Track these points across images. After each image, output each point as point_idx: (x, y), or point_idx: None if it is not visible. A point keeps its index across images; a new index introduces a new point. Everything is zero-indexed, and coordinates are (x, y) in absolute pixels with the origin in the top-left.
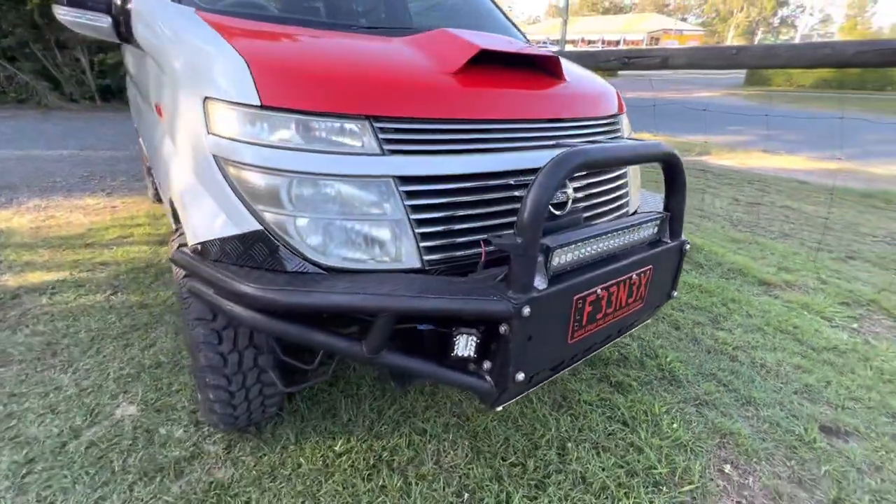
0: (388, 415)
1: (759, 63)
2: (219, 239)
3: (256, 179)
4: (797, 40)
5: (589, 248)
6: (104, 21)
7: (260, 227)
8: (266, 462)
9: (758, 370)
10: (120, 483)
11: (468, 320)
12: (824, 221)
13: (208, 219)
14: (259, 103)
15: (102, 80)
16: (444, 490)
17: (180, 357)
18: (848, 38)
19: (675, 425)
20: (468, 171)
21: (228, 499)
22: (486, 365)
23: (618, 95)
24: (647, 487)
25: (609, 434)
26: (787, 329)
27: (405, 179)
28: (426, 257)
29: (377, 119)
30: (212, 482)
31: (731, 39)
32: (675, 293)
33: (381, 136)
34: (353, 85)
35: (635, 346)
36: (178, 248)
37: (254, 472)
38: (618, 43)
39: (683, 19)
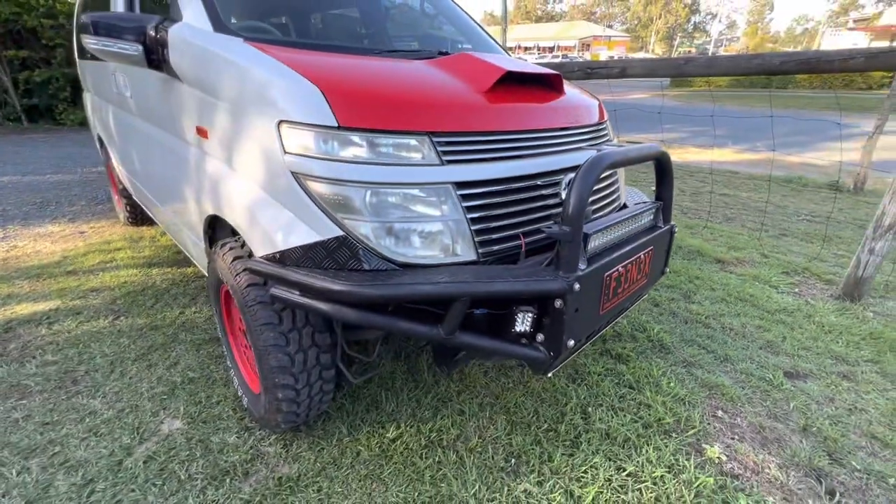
0: (426, 402)
1: (703, 72)
2: (301, 246)
3: (336, 191)
4: (711, 44)
5: (612, 234)
6: (135, 49)
7: (342, 233)
8: (326, 454)
9: (728, 333)
10: (191, 489)
11: (528, 299)
12: (765, 206)
13: (288, 229)
14: (336, 124)
15: (28, 99)
16: (493, 458)
17: (210, 371)
18: (751, 41)
19: (672, 384)
20: (508, 175)
21: (301, 490)
22: (540, 337)
23: (600, 105)
24: (661, 435)
25: (621, 397)
26: (745, 297)
27: (460, 185)
28: (480, 250)
29: (435, 134)
30: (280, 478)
31: (653, 44)
32: (668, 269)
33: (439, 148)
34: (413, 105)
35: (625, 322)
36: (235, 259)
37: (317, 464)
38: (552, 49)
39: (609, 26)
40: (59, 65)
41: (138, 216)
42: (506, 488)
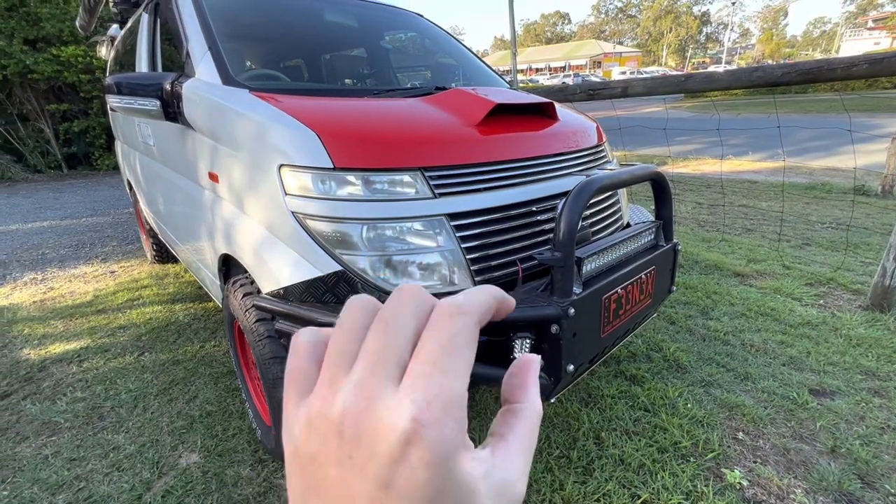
0: None
1: (703, 87)
2: (303, 282)
3: (334, 228)
4: (724, 54)
5: (608, 256)
6: (154, 105)
7: (341, 268)
8: None
9: (748, 350)
10: None
11: (525, 325)
12: (785, 215)
13: (291, 266)
14: (332, 166)
15: (68, 148)
16: None
17: (227, 404)
18: (767, 47)
19: (689, 405)
20: (501, 204)
21: None
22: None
23: (598, 128)
24: (678, 460)
25: (635, 420)
26: (766, 312)
27: (453, 216)
28: (476, 279)
29: (427, 169)
30: None
31: (665, 57)
32: (674, 288)
33: (431, 182)
34: (405, 143)
35: (640, 342)
36: (245, 296)
37: None
38: (563, 69)
39: (620, 43)
40: (95, 115)
41: (164, 254)
42: None
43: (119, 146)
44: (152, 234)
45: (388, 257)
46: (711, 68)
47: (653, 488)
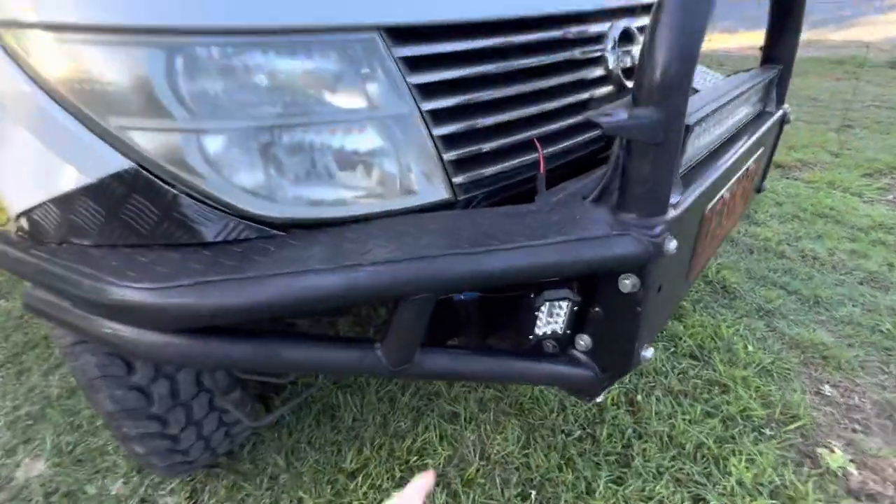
0: (403, 402)
1: None
2: (52, 200)
3: (100, 64)
4: None
5: (718, 128)
6: None
7: (132, 164)
8: None
9: (811, 264)
10: None
11: (569, 278)
12: (820, 93)
13: (24, 169)
14: None
15: None
16: (503, 493)
17: None
18: None
19: (749, 348)
20: (501, 16)
21: None
22: (584, 342)
23: None
24: (751, 435)
25: (680, 373)
26: (823, 212)
27: (397, 33)
28: (455, 179)
29: None
30: None
31: None
32: (766, 186)
33: None
34: None
35: None
36: None
37: None
38: None
39: None
40: None
41: None
42: None
43: None
44: None
45: (250, 134)
46: None
47: (723, 487)
